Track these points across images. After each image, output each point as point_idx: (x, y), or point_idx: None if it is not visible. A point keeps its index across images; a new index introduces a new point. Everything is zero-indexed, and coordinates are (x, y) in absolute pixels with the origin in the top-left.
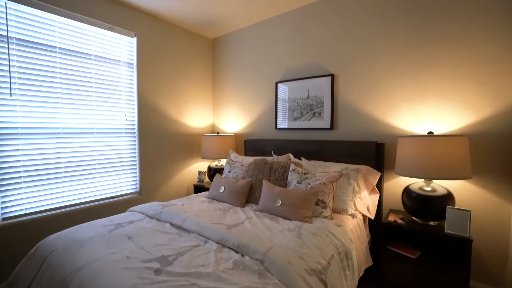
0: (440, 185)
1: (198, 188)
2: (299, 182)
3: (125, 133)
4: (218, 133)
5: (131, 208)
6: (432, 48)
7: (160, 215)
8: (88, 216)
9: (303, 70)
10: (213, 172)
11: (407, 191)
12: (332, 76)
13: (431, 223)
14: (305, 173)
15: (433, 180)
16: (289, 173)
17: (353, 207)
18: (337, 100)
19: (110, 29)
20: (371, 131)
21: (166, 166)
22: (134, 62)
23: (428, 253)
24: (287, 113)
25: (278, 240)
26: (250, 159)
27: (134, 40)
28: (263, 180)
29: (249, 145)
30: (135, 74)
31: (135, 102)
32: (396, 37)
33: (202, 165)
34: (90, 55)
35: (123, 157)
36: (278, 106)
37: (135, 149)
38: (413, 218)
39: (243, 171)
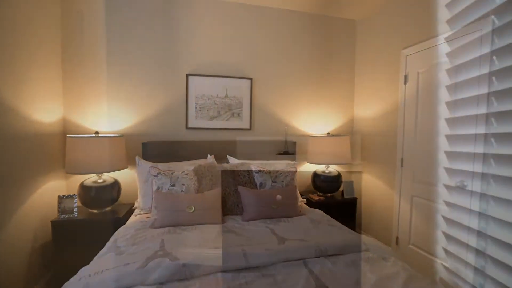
0: (333, 169)
1: (64, 224)
2: (274, 182)
3: None
4: (97, 132)
5: None
6: (321, 70)
7: (185, 270)
8: None
9: (221, 68)
10: (94, 193)
11: (317, 175)
12: (251, 80)
13: (328, 195)
14: (269, 172)
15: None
16: (256, 174)
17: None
18: (255, 103)
19: None
20: (280, 130)
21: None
22: None
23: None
24: (200, 111)
25: (336, 234)
26: (181, 166)
27: None
28: (238, 186)
29: (151, 149)
30: None
31: None
32: (306, 55)
33: (59, 187)
34: None
35: None
36: (189, 102)
37: None
38: (318, 193)
39: (194, 182)
